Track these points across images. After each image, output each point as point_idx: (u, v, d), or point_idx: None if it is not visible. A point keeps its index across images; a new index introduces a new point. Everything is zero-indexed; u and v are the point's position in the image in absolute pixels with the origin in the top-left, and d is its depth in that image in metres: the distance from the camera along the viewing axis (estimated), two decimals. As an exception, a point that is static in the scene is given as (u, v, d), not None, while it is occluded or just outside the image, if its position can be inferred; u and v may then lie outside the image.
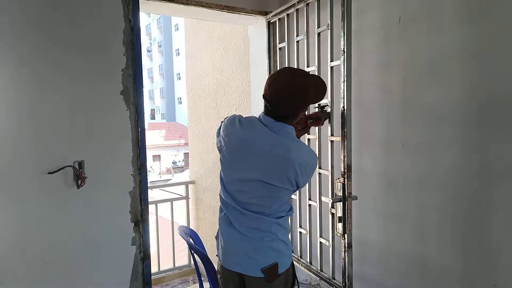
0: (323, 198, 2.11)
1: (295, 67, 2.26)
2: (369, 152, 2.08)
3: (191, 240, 2.04)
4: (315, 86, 1.50)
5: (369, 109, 2.07)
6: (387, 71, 1.96)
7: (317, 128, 2.09)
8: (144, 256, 2.18)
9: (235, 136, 1.52)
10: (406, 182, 1.91)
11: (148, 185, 2.24)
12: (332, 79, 1.98)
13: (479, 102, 1.58)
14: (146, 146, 2.18)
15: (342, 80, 1.85)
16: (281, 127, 1.48)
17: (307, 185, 2.21)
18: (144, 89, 2.17)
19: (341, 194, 1.89)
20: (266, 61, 2.55)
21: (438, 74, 1.73)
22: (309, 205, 2.23)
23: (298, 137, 1.94)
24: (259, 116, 1.54)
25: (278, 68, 2.48)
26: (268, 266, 1.47)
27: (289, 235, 1.67)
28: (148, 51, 48.15)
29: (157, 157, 30.86)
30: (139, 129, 2.14)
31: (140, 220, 2.16)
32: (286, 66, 2.38)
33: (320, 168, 2.11)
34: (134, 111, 2.12)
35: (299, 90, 1.45)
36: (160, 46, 45.83)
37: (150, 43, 47.98)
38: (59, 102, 1.89)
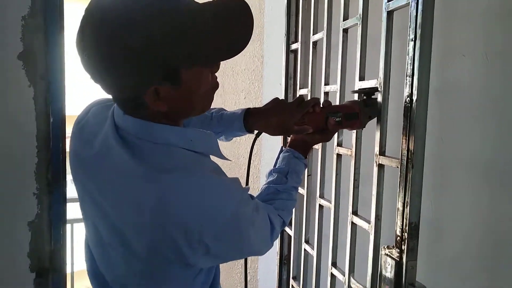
0: (354, 284, 1.11)
1: (324, 25, 1.26)
2: (457, 189, 1.05)
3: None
4: (210, 11, 0.69)
5: (462, 105, 1.03)
6: (506, 27, 0.91)
7: (353, 134, 1.09)
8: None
9: (71, 148, 0.82)
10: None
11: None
12: (388, 36, 0.97)
13: None
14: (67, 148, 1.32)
15: (411, 37, 0.84)
16: (148, 131, 0.72)
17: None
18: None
19: (392, 278, 0.90)
20: (284, 20, 1.58)
21: None
22: (331, 274, 1.24)
23: (309, 146, 1.02)
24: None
25: (300, 31, 1.50)
26: None
27: None
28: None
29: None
30: (51, 120, 1.29)
31: (48, 268, 1.32)
32: (311, 24, 1.39)
33: (355, 213, 1.11)
34: (43, 88, 1.27)
35: (115, 25, 0.63)
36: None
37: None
38: None
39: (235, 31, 0.71)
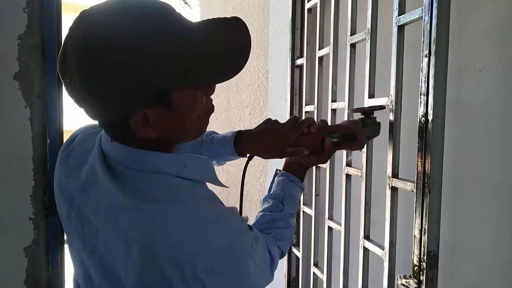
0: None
1: (331, 40, 1.22)
2: (477, 213, 0.98)
3: None
4: (204, 30, 0.63)
5: (480, 122, 0.97)
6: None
7: (363, 154, 1.03)
8: None
9: (56, 178, 0.78)
10: None
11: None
12: (400, 52, 0.92)
13: None
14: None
15: (425, 53, 0.79)
16: (136, 158, 0.66)
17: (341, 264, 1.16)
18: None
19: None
20: (289, 32, 1.53)
21: None
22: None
23: (305, 168, 0.96)
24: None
25: (305, 46, 1.45)
26: None
27: None
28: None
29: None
30: (48, 141, 1.25)
31: (46, 295, 1.27)
32: (317, 39, 1.34)
33: (367, 238, 1.05)
34: (40, 109, 1.23)
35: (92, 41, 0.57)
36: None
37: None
38: None
39: (230, 52, 0.66)
